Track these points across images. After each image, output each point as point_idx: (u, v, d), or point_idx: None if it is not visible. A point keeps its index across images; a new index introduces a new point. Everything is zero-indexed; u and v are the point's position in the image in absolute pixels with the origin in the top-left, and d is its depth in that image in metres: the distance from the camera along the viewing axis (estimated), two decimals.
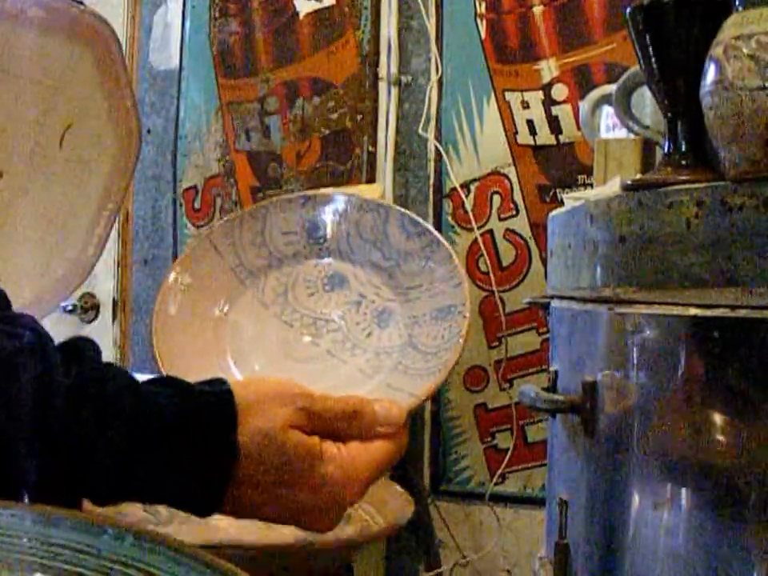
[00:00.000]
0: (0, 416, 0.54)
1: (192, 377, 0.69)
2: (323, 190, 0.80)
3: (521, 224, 1.96)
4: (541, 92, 1.94)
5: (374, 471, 0.64)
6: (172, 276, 0.75)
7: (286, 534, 0.83)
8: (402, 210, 0.75)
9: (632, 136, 1.12)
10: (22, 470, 0.54)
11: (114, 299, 2.31)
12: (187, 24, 2.30)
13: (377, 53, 2.09)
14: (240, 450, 0.60)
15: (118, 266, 2.32)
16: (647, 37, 0.76)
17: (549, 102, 1.93)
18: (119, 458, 0.58)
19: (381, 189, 2.01)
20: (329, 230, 0.75)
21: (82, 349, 0.61)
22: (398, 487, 0.91)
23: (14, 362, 0.56)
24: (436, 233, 0.73)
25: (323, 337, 0.71)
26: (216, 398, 0.61)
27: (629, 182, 0.76)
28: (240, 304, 0.75)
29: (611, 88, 1.03)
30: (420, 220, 0.74)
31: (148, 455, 0.58)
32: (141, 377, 0.62)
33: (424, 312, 0.70)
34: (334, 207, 0.76)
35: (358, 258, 0.74)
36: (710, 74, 0.67)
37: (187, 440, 0.59)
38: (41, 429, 0.55)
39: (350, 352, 0.70)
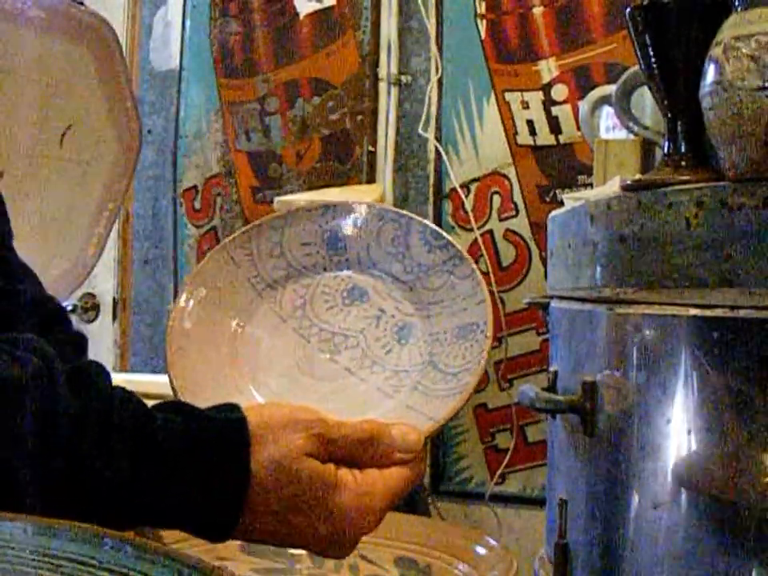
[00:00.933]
0: (3, 447, 0.53)
1: (208, 393, 0.68)
2: (343, 200, 0.77)
3: (521, 224, 1.96)
4: (541, 92, 1.94)
5: (391, 498, 0.63)
6: (185, 292, 0.74)
7: None
8: (424, 221, 0.73)
9: (632, 136, 1.12)
10: (24, 500, 0.54)
11: (114, 299, 2.31)
12: (187, 24, 2.30)
13: (377, 53, 2.09)
14: (253, 478, 0.59)
15: (118, 266, 2.32)
16: (647, 37, 0.76)
17: (549, 102, 1.93)
18: (126, 489, 0.57)
19: (381, 189, 2.02)
20: (348, 241, 0.74)
21: (88, 374, 0.59)
22: None
23: (19, 389, 0.55)
24: (458, 246, 0.71)
25: (342, 353, 0.70)
26: (228, 425, 0.60)
27: (628, 183, 0.76)
28: (257, 317, 0.73)
29: (611, 88, 1.03)
30: (442, 232, 0.72)
31: (156, 485, 0.57)
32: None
33: (445, 329, 0.69)
34: (354, 217, 0.74)
35: (378, 270, 0.73)
36: (710, 74, 0.67)
37: (198, 468, 0.58)
38: (44, 460, 0.54)
39: (369, 369, 0.69)
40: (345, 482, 0.61)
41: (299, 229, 0.75)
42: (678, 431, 0.65)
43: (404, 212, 0.74)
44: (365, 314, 0.71)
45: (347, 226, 0.74)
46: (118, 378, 0.63)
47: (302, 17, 2.17)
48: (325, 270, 0.74)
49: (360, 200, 0.75)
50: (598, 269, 0.74)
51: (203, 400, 0.64)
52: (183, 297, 0.72)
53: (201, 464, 0.58)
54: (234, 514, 0.59)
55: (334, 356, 0.70)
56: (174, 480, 0.58)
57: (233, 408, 0.62)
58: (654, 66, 0.76)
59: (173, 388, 0.68)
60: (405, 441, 0.63)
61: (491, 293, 1.95)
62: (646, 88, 0.86)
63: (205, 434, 0.59)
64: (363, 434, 0.63)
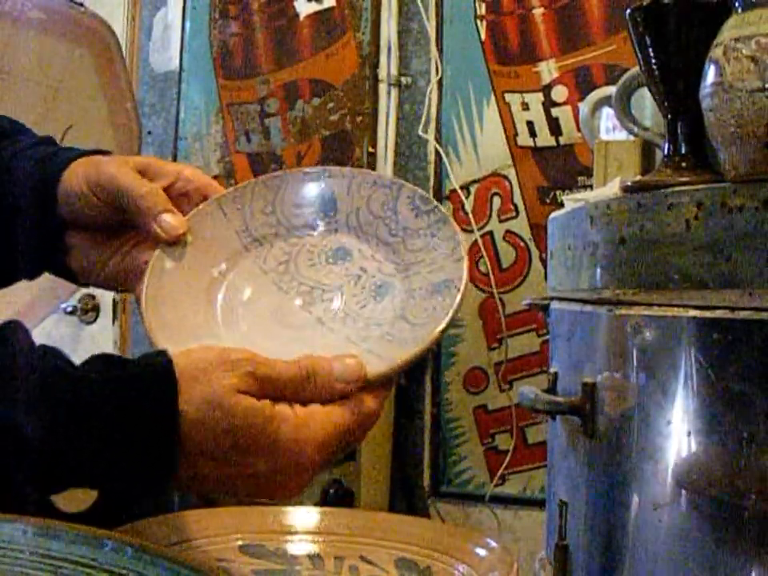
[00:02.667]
0: None
1: (178, 334, 0.67)
2: (340, 168, 0.78)
3: (521, 225, 1.96)
4: (541, 93, 1.94)
5: (334, 432, 0.61)
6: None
7: None
8: (415, 188, 0.74)
9: (632, 137, 1.12)
10: None
11: (114, 300, 2.31)
12: (187, 25, 2.30)
13: (377, 54, 2.09)
14: (183, 417, 0.57)
15: None
16: (647, 38, 0.76)
17: (549, 104, 1.93)
18: (55, 442, 0.55)
19: None
20: (339, 204, 0.75)
21: (6, 331, 0.58)
22: None
23: None
24: (445, 211, 0.72)
25: (316, 305, 0.71)
26: (153, 369, 0.59)
27: (629, 184, 0.76)
28: (238, 267, 0.74)
29: (611, 89, 1.03)
30: (430, 198, 0.73)
31: (85, 436, 0.56)
32: None
33: (421, 286, 0.69)
34: (348, 181, 0.75)
35: (365, 233, 0.74)
36: (710, 75, 0.67)
37: (125, 413, 0.57)
38: None
39: (342, 322, 0.69)
40: (283, 415, 0.60)
41: (294, 190, 0.76)
42: (678, 432, 0.65)
43: (397, 179, 0.75)
44: (346, 272, 0.72)
45: (340, 190, 0.75)
46: None
47: (301, 18, 2.17)
48: (314, 230, 0.75)
49: (354, 169, 0.76)
50: (598, 270, 0.74)
51: (173, 341, 0.65)
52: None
53: (127, 409, 0.57)
54: (169, 456, 0.58)
55: (308, 307, 0.71)
56: (101, 429, 0.56)
57: (160, 353, 0.61)
58: (654, 67, 0.76)
59: (145, 325, 0.68)
60: (345, 371, 0.62)
61: (491, 294, 1.96)
62: (646, 89, 0.86)
63: (129, 380, 0.58)
64: (300, 370, 0.61)
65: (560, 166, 1.93)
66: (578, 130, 1.78)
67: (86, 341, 2.31)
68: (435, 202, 0.73)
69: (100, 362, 0.60)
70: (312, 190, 0.75)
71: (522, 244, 1.96)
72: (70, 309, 2.29)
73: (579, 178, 1.90)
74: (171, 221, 0.72)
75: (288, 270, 0.73)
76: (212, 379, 0.59)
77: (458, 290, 0.66)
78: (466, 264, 0.68)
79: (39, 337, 0.60)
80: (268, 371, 0.61)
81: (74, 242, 0.76)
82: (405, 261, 0.71)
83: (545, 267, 1.78)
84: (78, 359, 0.60)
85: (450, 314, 0.66)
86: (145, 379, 0.59)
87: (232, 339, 0.69)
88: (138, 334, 2.32)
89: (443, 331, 0.66)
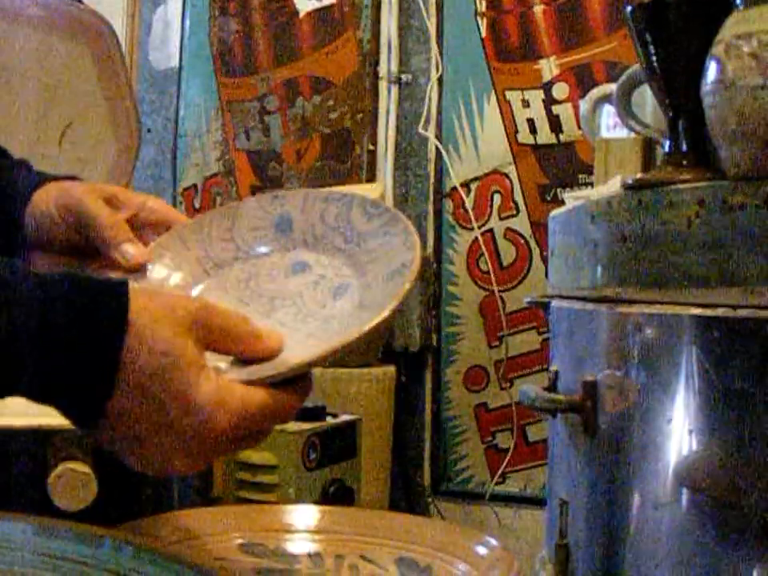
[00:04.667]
0: None
1: None
2: (294, 190, 0.82)
3: (521, 223, 1.96)
4: (541, 91, 1.94)
5: (252, 411, 0.61)
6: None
7: None
8: (365, 196, 0.76)
9: (633, 135, 1.12)
10: None
11: None
12: (187, 23, 2.30)
13: (377, 52, 2.09)
14: (131, 324, 0.58)
15: None
16: (648, 35, 0.75)
17: (549, 101, 1.93)
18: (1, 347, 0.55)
19: (381, 188, 2.01)
20: (295, 224, 0.77)
21: None
22: None
23: None
24: (395, 210, 0.73)
25: (277, 311, 0.72)
26: (110, 280, 0.61)
27: (629, 181, 0.75)
28: (200, 288, 0.76)
29: (612, 87, 1.03)
30: (380, 202, 0.75)
31: (30, 330, 0.56)
32: None
33: (376, 276, 0.70)
34: (301, 201, 0.77)
35: (322, 245, 0.76)
36: (711, 72, 0.66)
37: (75, 311, 0.57)
38: None
39: (302, 322, 0.70)
40: (209, 372, 0.61)
41: (250, 215, 0.78)
42: (679, 431, 0.65)
43: (348, 192, 0.78)
44: (304, 281, 0.74)
45: (295, 210, 0.77)
46: None
47: (301, 15, 2.17)
48: (273, 251, 0.77)
49: (306, 189, 0.80)
50: (599, 268, 0.74)
51: None
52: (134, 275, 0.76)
53: (77, 304, 0.57)
54: (111, 360, 0.57)
55: (270, 314, 0.72)
56: (47, 322, 0.56)
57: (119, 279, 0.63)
58: (655, 64, 0.76)
59: None
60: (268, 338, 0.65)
61: (491, 292, 1.96)
62: (647, 86, 0.86)
63: (83, 284, 0.59)
64: (254, 330, 0.64)
65: (561, 164, 1.93)
66: (579, 127, 1.78)
67: None
68: (385, 205, 0.75)
69: (57, 273, 0.60)
70: (268, 213, 0.78)
71: (522, 242, 1.96)
72: None
73: (580, 176, 1.90)
74: (132, 250, 0.75)
75: (249, 286, 0.76)
76: (164, 305, 0.60)
77: (411, 270, 0.67)
78: (417, 246, 0.69)
79: None
80: (213, 323, 0.62)
81: (39, 262, 0.78)
82: (361, 261, 0.73)
83: (545, 265, 1.78)
84: None
85: (407, 286, 0.66)
86: (99, 284, 0.59)
87: None
88: None
89: (394, 309, 0.66)
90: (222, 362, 0.65)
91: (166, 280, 0.76)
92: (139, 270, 0.76)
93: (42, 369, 0.57)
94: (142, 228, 0.78)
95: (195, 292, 0.75)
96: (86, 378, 0.58)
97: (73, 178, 0.80)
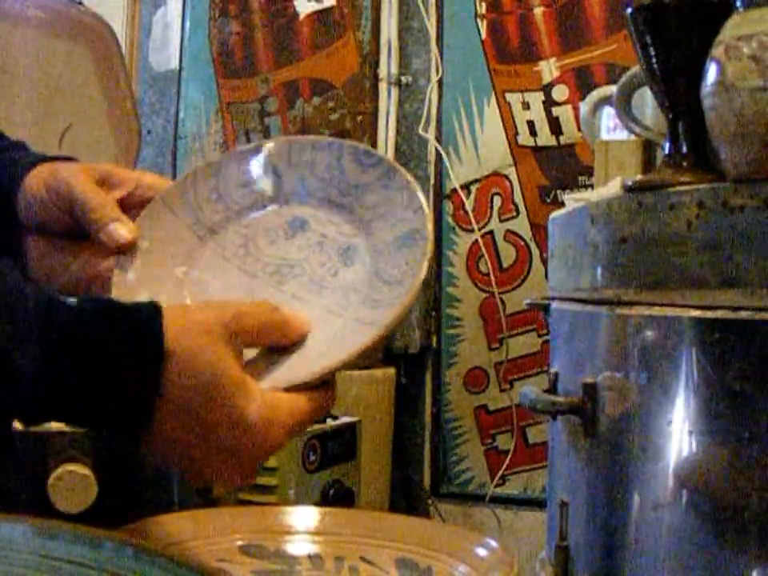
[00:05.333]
0: None
1: None
2: (274, 138, 0.78)
3: (521, 225, 1.96)
4: (541, 93, 1.94)
5: (300, 421, 0.62)
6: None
7: None
8: (356, 143, 0.73)
9: (633, 137, 1.12)
10: None
11: None
12: (187, 24, 2.30)
13: (377, 53, 2.09)
14: (169, 353, 0.57)
15: None
16: (648, 37, 0.76)
17: (549, 103, 1.93)
18: (38, 369, 0.55)
19: None
20: (284, 177, 0.74)
21: None
22: None
23: None
24: (391, 160, 0.71)
25: (288, 283, 0.70)
26: (142, 307, 0.60)
27: (629, 183, 0.76)
28: (201, 262, 0.73)
29: (612, 89, 1.03)
30: (372, 150, 0.72)
31: (70, 365, 0.56)
32: None
33: (386, 240, 0.68)
34: (286, 152, 0.74)
35: (315, 199, 0.73)
36: (711, 74, 0.66)
37: (111, 343, 0.57)
38: None
39: (318, 294, 0.69)
40: (253, 388, 0.60)
41: (233, 171, 0.75)
42: (679, 432, 0.65)
43: (336, 139, 0.74)
44: (307, 243, 0.71)
45: (281, 162, 0.74)
46: None
47: (301, 17, 2.17)
48: (264, 206, 0.74)
49: (288, 136, 0.76)
50: (599, 270, 0.74)
51: None
52: (128, 253, 0.73)
53: (113, 339, 0.57)
54: (152, 386, 0.57)
55: (280, 286, 0.70)
56: (84, 351, 0.56)
57: (150, 301, 0.61)
58: (655, 66, 0.76)
59: None
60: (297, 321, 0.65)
61: (491, 294, 1.96)
62: (646, 88, 0.86)
63: (117, 314, 0.58)
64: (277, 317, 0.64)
65: (561, 166, 1.93)
66: (579, 129, 1.78)
67: None
68: (379, 154, 0.72)
69: (88, 300, 0.60)
70: (253, 167, 0.75)
71: (522, 244, 1.96)
72: None
73: (580, 178, 1.90)
74: (119, 229, 0.72)
75: (249, 251, 0.72)
76: (200, 324, 0.59)
77: (427, 239, 0.66)
78: (427, 212, 0.67)
79: None
80: (246, 327, 0.62)
81: (32, 246, 0.76)
82: (363, 219, 0.70)
83: (545, 267, 1.78)
84: None
85: (425, 266, 0.65)
86: (130, 311, 0.59)
87: None
88: None
89: (421, 284, 0.65)
90: (251, 351, 0.64)
91: (173, 267, 0.72)
92: (134, 249, 0.72)
93: (82, 408, 0.57)
94: (140, 206, 0.75)
95: (196, 273, 0.72)
96: (126, 419, 0.58)
97: (67, 158, 0.78)
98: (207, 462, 0.61)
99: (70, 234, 0.76)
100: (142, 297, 0.69)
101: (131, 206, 0.74)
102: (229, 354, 0.60)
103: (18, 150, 0.80)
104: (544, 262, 1.88)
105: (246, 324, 0.62)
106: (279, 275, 0.70)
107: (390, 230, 0.68)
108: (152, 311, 0.59)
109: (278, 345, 0.65)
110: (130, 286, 0.70)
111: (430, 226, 0.66)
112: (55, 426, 0.86)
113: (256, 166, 0.74)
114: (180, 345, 0.58)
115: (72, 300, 0.58)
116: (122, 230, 0.72)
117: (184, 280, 0.71)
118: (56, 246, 0.76)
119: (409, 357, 1.99)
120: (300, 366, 0.64)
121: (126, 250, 0.72)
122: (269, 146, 0.75)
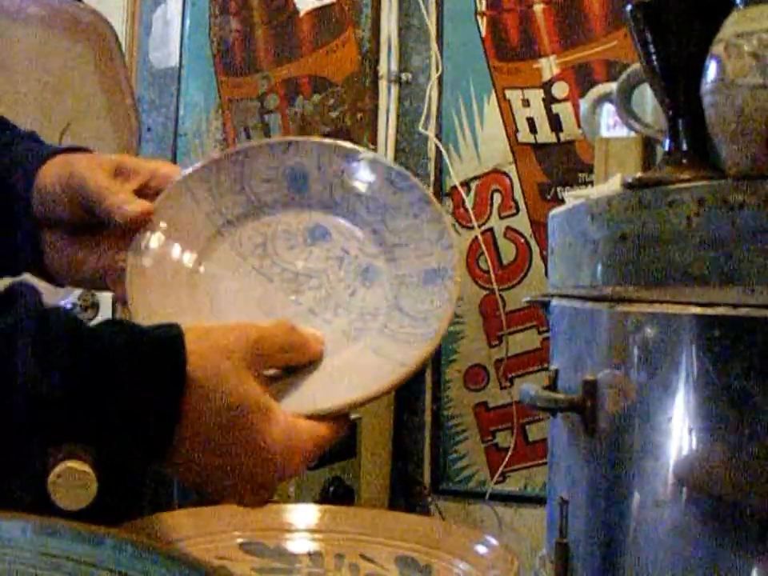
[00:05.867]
0: None
1: None
2: (308, 137, 0.75)
3: (521, 222, 1.96)
4: (541, 90, 1.94)
5: (320, 447, 0.62)
6: (147, 228, 0.72)
7: None
8: (389, 162, 0.71)
9: (633, 134, 1.12)
10: None
11: (113, 297, 2.31)
12: (187, 22, 2.30)
13: (377, 51, 2.08)
14: (190, 379, 0.57)
15: None
16: (648, 34, 0.75)
17: (549, 100, 1.93)
18: (65, 397, 0.55)
19: None
20: (311, 180, 0.72)
21: (19, 294, 0.58)
22: None
23: None
24: (425, 189, 0.69)
25: (305, 294, 0.68)
26: (162, 331, 0.59)
27: (629, 180, 0.75)
28: (216, 254, 0.71)
29: (612, 86, 1.03)
30: (408, 174, 0.70)
31: (94, 389, 0.56)
32: None
33: (411, 273, 0.67)
34: (318, 154, 0.72)
35: (340, 210, 0.71)
36: (711, 71, 0.66)
37: (133, 368, 0.57)
38: None
39: (333, 312, 0.67)
40: (275, 413, 0.60)
41: (261, 164, 0.72)
42: (679, 430, 0.65)
43: (368, 152, 0.72)
44: (327, 255, 0.70)
45: (311, 165, 0.72)
46: None
47: (301, 14, 2.16)
48: (286, 207, 0.72)
49: (322, 139, 0.73)
50: (599, 267, 0.74)
51: None
52: (144, 233, 0.71)
53: (135, 362, 0.57)
54: (172, 413, 0.57)
55: (297, 297, 0.69)
56: (109, 380, 0.56)
57: (170, 324, 0.61)
58: (655, 63, 0.76)
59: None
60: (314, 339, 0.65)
61: (491, 291, 1.96)
62: (647, 86, 0.86)
63: (139, 336, 0.58)
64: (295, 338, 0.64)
65: (561, 163, 1.92)
66: (579, 126, 1.77)
67: None
68: (414, 179, 0.69)
69: (109, 324, 0.60)
70: (280, 164, 0.72)
71: (522, 241, 1.96)
72: (69, 306, 2.28)
73: (580, 175, 1.90)
74: (131, 204, 0.71)
75: (266, 253, 0.70)
76: (222, 349, 0.59)
77: (455, 282, 0.65)
78: (457, 251, 0.66)
79: None
80: (267, 350, 0.62)
81: (49, 240, 0.76)
82: (387, 242, 0.68)
83: (545, 264, 1.78)
84: None
85: (452, 309, 0.64)
86: (153, 338, 0.59)
87: None
88: None
89: (447, 327, 0.65)
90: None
91: (172, 254, 0.70)
92: (151, 230, 0.71)
93: (103, 432, 0.58)
94: (155, 196, 0.74)
95: (211, 266, 0.69)
96: (145, 444, 0.59)
97: (83, 149, 0.77)
98: (226, 484, 0.62)
99: (86, 228, 0.75)
100: (155, 295, 0.68)
101: (147, 197, 0.73)
102: (250, 377, 0.60)
103: (29, 141, 0.79)
104: (544, 259, 1.88)
105: (266, 346, 0.62)
106: (296, 283, 0.68)
107: (416, 262, 0.66)
108: (174, 337, 0.59)
109: (296, 364, 0.65)
110: (144, 272, 0.68)
111: (459, 268, 0.65)
112: None
113: (284, 163, 0.72)
114: (202, 369, 0.58)
115: (95, 325, 0.58)
116: (136, 205, 0.71)
117: (197, 271, 0.69)
118: (73, 240, 0.76)
119: None
120: (319, 390, 0.64)
121: (140, 224, 0.71)
122: (299, 144, 0.72)
